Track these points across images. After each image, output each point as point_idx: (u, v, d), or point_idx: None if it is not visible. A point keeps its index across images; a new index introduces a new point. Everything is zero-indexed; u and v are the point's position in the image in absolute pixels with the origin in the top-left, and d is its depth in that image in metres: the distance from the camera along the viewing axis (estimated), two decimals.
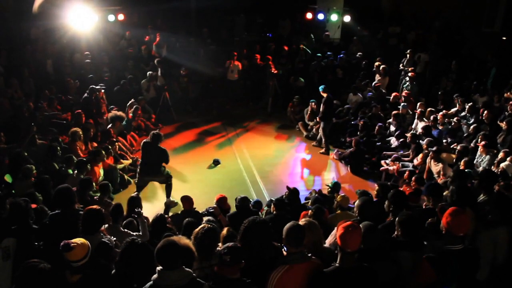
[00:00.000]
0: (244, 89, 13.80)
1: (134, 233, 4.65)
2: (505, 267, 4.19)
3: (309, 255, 3.26)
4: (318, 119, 10.50)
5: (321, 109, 10.28)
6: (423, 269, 3.35)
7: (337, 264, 3.12)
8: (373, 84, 11.95)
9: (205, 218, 5.38)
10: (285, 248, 3.44)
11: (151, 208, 7.26)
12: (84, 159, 7.61)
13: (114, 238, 4.24)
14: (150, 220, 5.41)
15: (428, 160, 8.12)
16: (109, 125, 9.65)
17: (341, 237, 3.05)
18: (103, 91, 10.45)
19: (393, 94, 11.55)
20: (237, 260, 3.04)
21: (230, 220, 5.55)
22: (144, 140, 8.00)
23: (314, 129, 11.27)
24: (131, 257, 3.45)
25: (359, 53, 13.65)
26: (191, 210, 6.08)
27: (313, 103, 11.24)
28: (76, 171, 7.28)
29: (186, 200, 6.18)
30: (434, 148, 8.09)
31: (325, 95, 10.19)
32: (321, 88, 10.33)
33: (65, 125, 9.36)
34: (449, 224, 3.39)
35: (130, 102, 10.76)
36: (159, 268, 2.98)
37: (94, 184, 6.91)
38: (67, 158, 7.67)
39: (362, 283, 3.09)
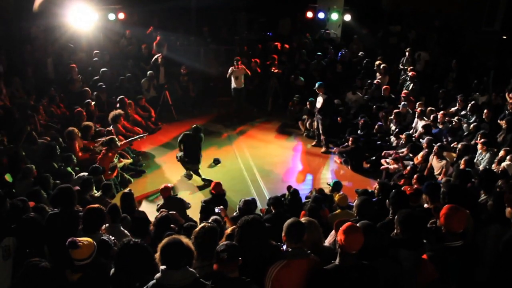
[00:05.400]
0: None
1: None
2: (504, 267, 4.18)
3: (308, 252, 3.27)
4: (319, 117, 10.39)
5: (320, 106, 10.25)
6: (424, 267, 3.35)
7: (336, 262, 3.12)
8: (373, 82, 11.92)
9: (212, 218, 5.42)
10: (284, 247, 3.45)
11: (153, 207, 7.25)
12: (110, 181, 7.37)
13: (113, 238, 4.24)
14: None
15: (431, 157, 8.10)
16: (111, 126, 9.59)
17: (344, 241, 3.04)
18: (93, 103, 10.25)
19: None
20: (234, 257, 3.03)
21: (233, 222, 5.56)
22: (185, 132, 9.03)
23: (307, 125, 11.27)
24: (129, 256, 3.43)
25: (361, 53, 13.60)
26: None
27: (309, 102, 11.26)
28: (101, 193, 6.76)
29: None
30: (438, 144, 8.07)
31: (321, 92, 10.18)
32: (317, 84, 10.31)
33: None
34: (447, 221, 3.39)
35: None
36: (162, 267, 2.95)
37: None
38: (66, 157, 7.69)
39: (362, 281, 3.08)
